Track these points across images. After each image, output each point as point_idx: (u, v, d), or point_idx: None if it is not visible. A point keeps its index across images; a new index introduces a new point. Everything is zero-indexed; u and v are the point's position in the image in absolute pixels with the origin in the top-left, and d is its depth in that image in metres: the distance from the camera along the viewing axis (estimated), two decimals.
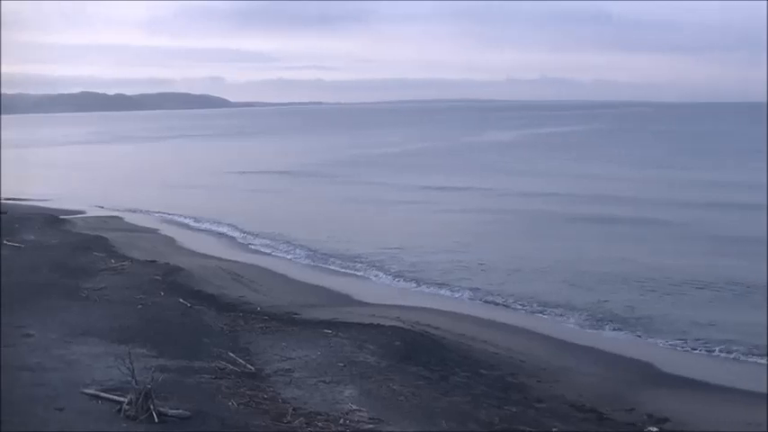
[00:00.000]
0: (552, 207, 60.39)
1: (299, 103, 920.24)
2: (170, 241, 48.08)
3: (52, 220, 52.47)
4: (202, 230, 53.56)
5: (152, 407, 15.80)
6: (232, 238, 50.57)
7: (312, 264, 42.64)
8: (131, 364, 16.76)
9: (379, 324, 28.03)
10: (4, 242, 38.15)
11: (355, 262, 42.41)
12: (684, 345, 29.26)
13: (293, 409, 17.90)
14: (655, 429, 20.27)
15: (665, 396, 23.56)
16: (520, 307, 33.99)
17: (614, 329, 31.13)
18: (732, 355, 27.88)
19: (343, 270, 41.02)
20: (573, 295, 35.61)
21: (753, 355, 27.64)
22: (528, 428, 18.72)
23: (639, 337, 30.32)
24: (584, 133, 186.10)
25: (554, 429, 19.02)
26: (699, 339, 29.60)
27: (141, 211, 62.21)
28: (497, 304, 34.53)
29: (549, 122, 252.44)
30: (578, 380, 24.64)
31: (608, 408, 21.79)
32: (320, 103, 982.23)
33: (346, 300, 34.54)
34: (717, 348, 28.50)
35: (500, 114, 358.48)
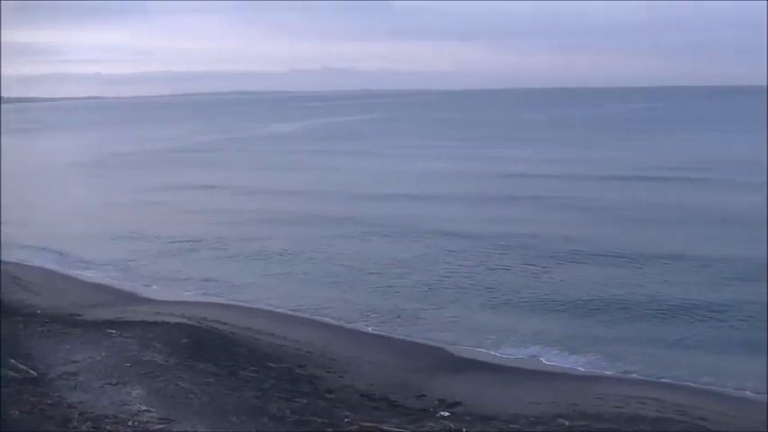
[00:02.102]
0: (300, 207, 59.34)
1: (77, 98, 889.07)
2: None
3: None
4: None
5: None
6: None
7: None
8: None
9: (164, 321, 28.00)
10: None
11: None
12: (475, 329, 30.40)
13: (79, 414, 17.69)
14: (446, 414, 20.86)
15: (456, 380, 24.78)
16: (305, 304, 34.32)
17: (399, 318, 31.99)
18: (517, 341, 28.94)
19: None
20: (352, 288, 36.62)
21: (534, 342, 28.83)
22: (319, 419, 19.04)
23: (430, 322, 31.27)
24: (364, 123, 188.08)
25: (345, 419, 19.27)
26: (489, 325, 30.79)
27: None
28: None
29: (331, 112, 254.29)
30: (368, 369, 25.40)
31: (399, 395, 22.64)
32: (98, 97, 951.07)
33: (131, 298, 34.19)
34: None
35: (285, 105, 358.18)
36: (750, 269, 36.28)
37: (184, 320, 28.64)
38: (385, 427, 19.01)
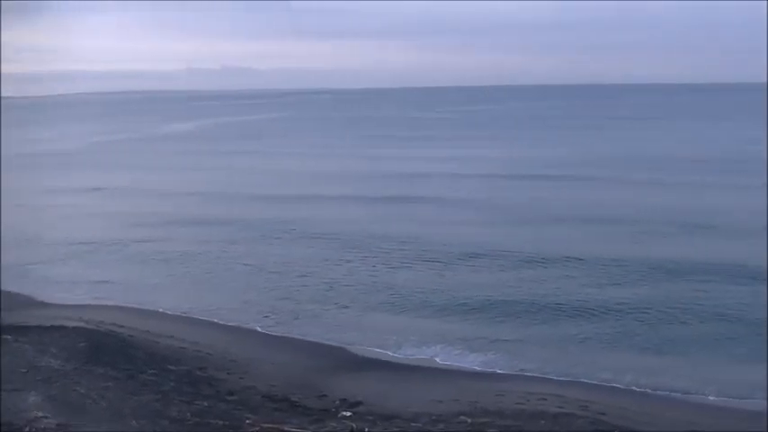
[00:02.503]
0: (196, 209, 58.61)
1: None
2: None
3: None
4: None
5: None
6: None
7: None
8: None
9: (61, 326, 27.50)
10: None
11: None
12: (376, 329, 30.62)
13: None
14: (348, 413, 20.86)
15: (358, 380, 24.88)
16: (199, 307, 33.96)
17: (299, 318, 32.01)
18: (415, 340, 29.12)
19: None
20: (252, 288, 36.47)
21: (436, 342, 29.07)
22: (220, 422, 18.90)
23: (330, 323, 31.32)
24: (262, 122, 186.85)
25: (247, 421, 19.16)
26: (390, 325, 31.11)
27: None
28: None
29: (230, 112, 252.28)
30: (270, 370, 25.37)
31: (300, 395, 22.70)
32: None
33: (26, 302, 33.30)
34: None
35: (183, 105, 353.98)
36: (640, 270, 36.98)
37: (82, 324, 28.13)
38: (286, 428, 18.97)
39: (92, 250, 44.70)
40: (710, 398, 23.72)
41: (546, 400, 22.61)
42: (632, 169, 74.50)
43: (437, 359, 27.43)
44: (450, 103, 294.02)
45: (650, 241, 42.97)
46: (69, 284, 37.44)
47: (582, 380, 25.19)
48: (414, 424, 20.49)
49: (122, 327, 28.67)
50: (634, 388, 24.46)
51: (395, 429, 19.95)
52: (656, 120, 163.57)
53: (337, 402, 22.26)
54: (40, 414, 18.39)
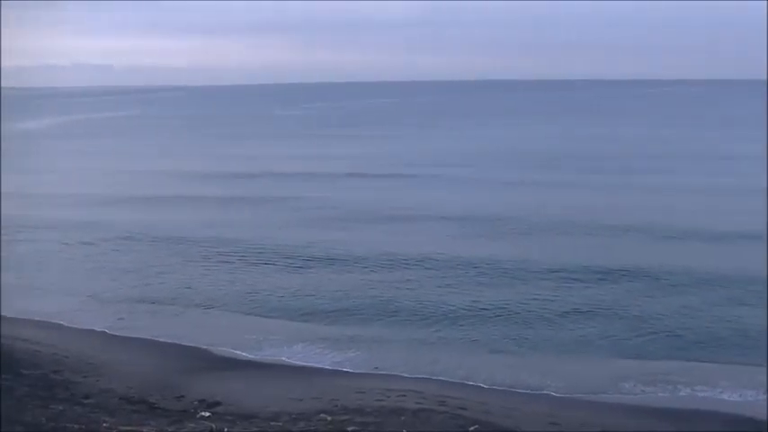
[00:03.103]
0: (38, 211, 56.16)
1: None
2: None
3: None
4: None
5: None
6: None
7: None
8: None
9: None
10: None
11: None
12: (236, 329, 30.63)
13: None
14: (207, 414, 20.72)
15: (217, 381, 24.80)
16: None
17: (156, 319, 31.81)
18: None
19: None
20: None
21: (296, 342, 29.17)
22: (77, 426, 18.48)
23: (189, 323, 31.24)
24: (111, 120, 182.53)
25: (104, 424, 18.85)
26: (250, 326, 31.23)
27: None
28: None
29: (81, 109, 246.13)
30: (127, 371, 25.11)
31: (158, 397, 22.51)
32: None
33: None
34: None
35: (32, 102, 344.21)
36: (495, 271, 37.51)
37: None
38: (144, 430, 18.72)
39: None
40: (554, 394, 24.38)
41: (405, 396, 22.91)
42: (489, 167, 76.11)
43: (297, 359, 27.52)
44: (319, 99, 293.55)
45: (505, 241, 43.66)
46: None
47: (441, 377, 25.62)
48: (273, 423, 20.49)
49: None
50: (493, 386, 24.93)
51: (254, 429, 19.89)
52: (532, 116, 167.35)
53: (196, 403, 22.10)
54: None
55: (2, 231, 46.57)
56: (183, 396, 22.78)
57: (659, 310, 31.69)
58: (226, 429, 19.52)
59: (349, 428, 20.09)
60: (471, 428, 20.40)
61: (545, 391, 24.49)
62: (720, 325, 30.11)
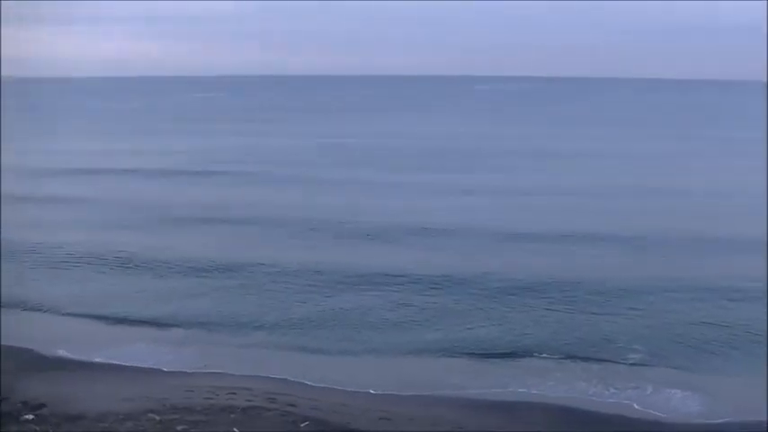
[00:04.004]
0: None
1: None
2: None
3: None
4: None
5: None
6: None
7: None
8: None
9: None
10: None
11: None
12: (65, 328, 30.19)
13: None
14: (30, 417, 20.26)
15: (42, 382, 24.31)
16: None
17: None
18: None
19: None
20: None
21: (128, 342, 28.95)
22: None
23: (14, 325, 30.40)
24: None
25: None
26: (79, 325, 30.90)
27: None
28: None
29: None
30: None
31: None
32: None
33: None
34: None
35: None
36: (310, 276, 36.69)
37: None
38: None
39: None
40: (383, 391, 24.61)
41: (235, 394, 22.94)
42: (308, 165, 76.19)
43: (127, 360, 27.02)
44: (140, 92, 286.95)
45: (325, 245, 43.40)
46: None
47: (270, 375, 25.65)
48: (100, 423, 20.27)
49: None
50: (322, 384, 25.02)
51: (79, 430, 19.62)
52: (355, 112, 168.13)
53: (19, 405, 21.55)
54: None
55: None
56: (6, 398, 22.17)
57: (487, 310, 32.24)
58: (50, 431, 19.18)
59: (178, 428, 20.03)
60: (302, 425, 20.58)
61: (375, 389, 24.77)
62: (546, 322, 31.00)
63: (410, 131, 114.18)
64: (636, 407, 23.61)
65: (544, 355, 27.61)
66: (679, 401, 23.93)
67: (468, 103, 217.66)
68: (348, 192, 60.38)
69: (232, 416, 20.94)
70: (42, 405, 21.62)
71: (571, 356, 27.48)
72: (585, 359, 27.20)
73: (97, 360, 26.87)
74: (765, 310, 31.59)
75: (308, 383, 24.99)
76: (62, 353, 27.53)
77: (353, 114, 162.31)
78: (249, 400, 22.31)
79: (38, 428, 19.31)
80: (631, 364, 26.84)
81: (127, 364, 26.53)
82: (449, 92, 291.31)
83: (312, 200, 56.77)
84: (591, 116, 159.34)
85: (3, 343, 27.95)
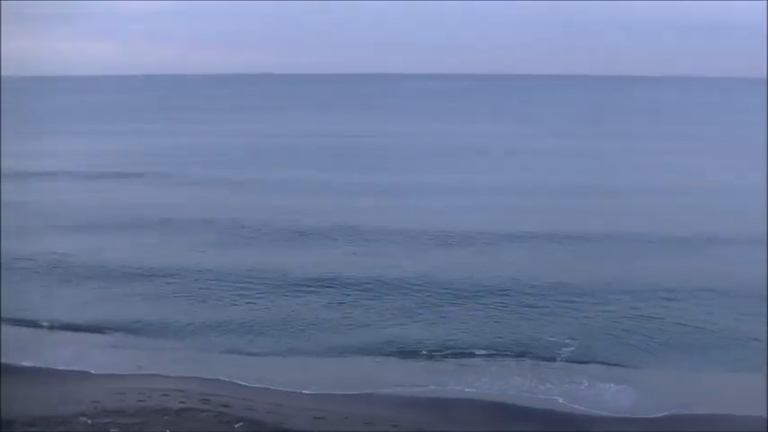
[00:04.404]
0: None
1: None
2: None
3: None
4: None
5: None
6: None
7: None
8: None
9: None
10: None
11: None
12: None
13: None
14: None
15: None
16: None
17: None
18: None
19: None
20: None
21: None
22: None
23: None
24: None
25: None
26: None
27: None
28: None
29: None
30: None
31: None
32: None
33: None
34: None
35: None
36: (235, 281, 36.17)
37: None
38: None
39: None
40: (318, 390, 24.62)
41: (168, 396, 22.80)
42: (222, 165, 75.82)
43: (60, 364, 26.68)
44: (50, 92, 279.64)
45: (249, 248, 42.86)
46: None
47: (203, 376, 25.50)
48: (31, 428, 20.03)
49: None
50: (256, 384, 25.00)
51: None
52: (276, 111, 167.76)
53: None
54: None
55: None
56: None
57: (421, 309, 32.38)
58: None
59: (111, 430, 19.83)
60: (237, 425, 20.49)
61: (309, 389, 24.74)
62: (481, 320, 31.23)
63: (320, 130, 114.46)
64: (561, 401, 23.89)
65: (480, 352, 27.87)
66: (611, 396, 24.31)
67: (390, 100, 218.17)
68: (266, 191, 60.27)
69: (165, 418, 20.80)
70: None
71: (506, 353, 27.82)
72: (520, 356, 27.53)
73: (26, 364, 26.50)
74: (702, 308, 32.21)
75: (242, 384, 24.95)
76: None
77: (257, 114, 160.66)
78: (182, 402, 22.17)
79: None
80: (567, 360, 27.23)
81: (57, 368, 26.24)
82: (372, 90, 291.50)
83: (232, 201, 56.45)
84: (513, 113, 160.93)
85: None
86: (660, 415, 23.09)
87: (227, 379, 25.26)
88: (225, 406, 21.94)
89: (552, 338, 28.93)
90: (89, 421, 20.50)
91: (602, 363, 27.12)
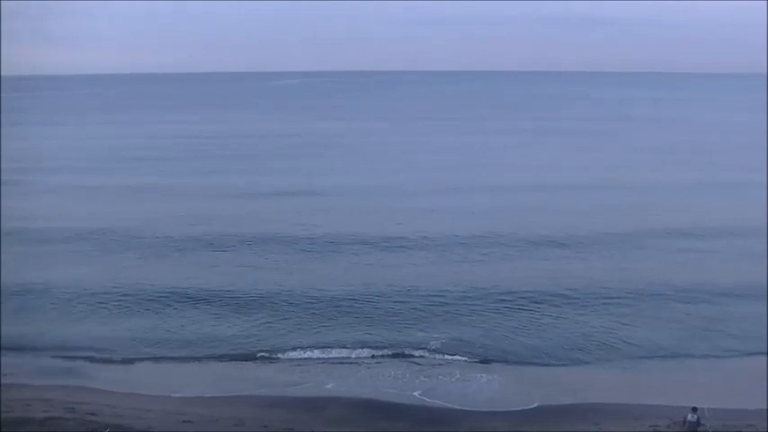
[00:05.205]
0: None
1: None
2: None
3: None
4: None
5: None
6: None
7: None
8: None
9: None
10: None
11: None
12: None
13: None
14: None
15: None
16: None
17: None
18: None
19: None
20: None
21: None
22: None
23: None
24: None
25: None
26: None
27: None
28: None
29: None
30: None
31: None
32: None
33: None
34: None
35: None
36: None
37: None
38: None
39: None
40: (184, 394, 24.54)
41: (30, 405, 22.36)
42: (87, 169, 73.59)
43: None
44: None
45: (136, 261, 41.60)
46: None
47: (68, 384, 25.06)
48: None
49: None
50: (120, 390, 24.66)
51: None
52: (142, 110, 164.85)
53: None
54: None
55: None
56: None
57: (295, 311, 32.63)
58: None
59: None
60: None
61: (177, 392, 24.67)
62: (356, 319, 31.68)
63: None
64: (417, 395, 24.51)
65: (360, 350, 28.31)
66: (476, 390, 25.03)
67: (247, 99, 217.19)
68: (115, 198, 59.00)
69: (29, 428, 20.39)
70: None
71: (381, 350, 28.30)
72: (396, 355, 27.97)
73: None
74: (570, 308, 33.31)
75: (108, 390, 24.65)
76: None
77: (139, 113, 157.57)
78: (46, 411, 21.79)
79: None
80: (438, 355, 27.82)
81: None
82: (238, 88, 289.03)
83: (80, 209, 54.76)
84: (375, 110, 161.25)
85: None
86: (531, 407, 23.88)
87: (92, 386, 24.89)
88: (91, 414, 21.66)
89: (423, 332, 29.60)
90: None
91: (473, 358, 27.66)
